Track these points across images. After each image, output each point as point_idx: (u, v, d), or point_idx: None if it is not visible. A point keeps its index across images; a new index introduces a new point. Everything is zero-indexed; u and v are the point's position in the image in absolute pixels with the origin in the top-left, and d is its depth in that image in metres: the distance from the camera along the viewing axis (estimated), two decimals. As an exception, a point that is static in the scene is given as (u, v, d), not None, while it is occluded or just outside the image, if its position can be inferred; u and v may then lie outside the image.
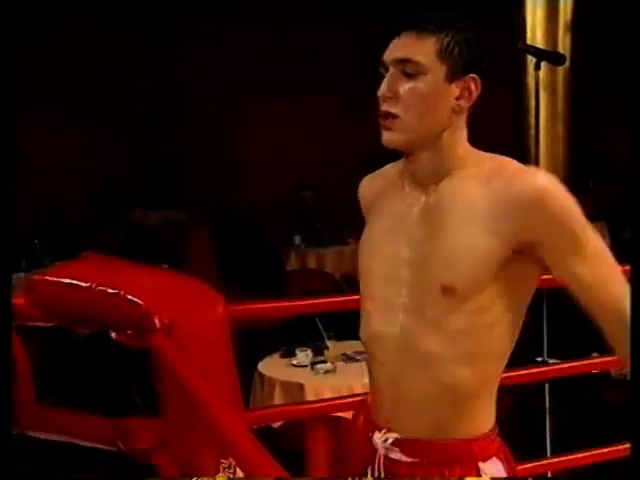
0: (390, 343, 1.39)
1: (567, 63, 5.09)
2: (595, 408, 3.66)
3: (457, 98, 1.38)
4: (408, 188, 1.42)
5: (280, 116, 7.66)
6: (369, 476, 1.43)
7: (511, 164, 1.37)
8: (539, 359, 3.17)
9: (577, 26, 5.36)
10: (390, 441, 1.39)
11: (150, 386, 1.65)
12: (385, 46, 1.39)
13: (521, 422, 3.69)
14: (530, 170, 1.36)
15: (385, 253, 1.41)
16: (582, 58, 5.44)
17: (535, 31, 5.35)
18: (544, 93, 5.18)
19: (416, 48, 1.34)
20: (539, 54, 3.35)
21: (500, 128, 7.41)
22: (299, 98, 7.55)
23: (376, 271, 1.42)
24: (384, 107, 1.36)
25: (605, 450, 2.56)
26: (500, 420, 3.95)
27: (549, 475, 2.89)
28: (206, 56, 7.60)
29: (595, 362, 2.74)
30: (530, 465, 2.53)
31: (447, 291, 1.31)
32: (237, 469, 1.57)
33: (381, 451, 1.40)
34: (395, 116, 1.36)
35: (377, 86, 1.39)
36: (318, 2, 7.27)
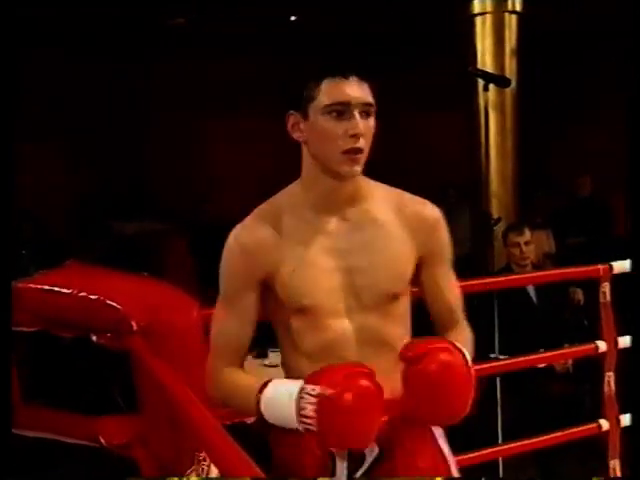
0: (351, 340, 1.51)
1: (514, 85, 5.18)
2: (541, 400, 3.70)
3: None
4: (318, 214, 1.52)
5: (250, 130, 7.67)
6: None
7: (405, 193, 1.62)
8: (492, 355, 3.20)
9: (522, 51, 5.45)
10: None
11: (131, 386, 1.64)
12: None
13: (477, 414, 3.72)
14: (425, 200, 1.63)
15: (322, 270, 1.51)
16: (527, 80, 5.52)
17: (485, 56, 5.43)
18: (494, 113, 5.26)
19: (368, 92, 1.49)
20: (486, 77, 3.40)
21: (454, 145, 7.50)
22: (269, 113, 7.57)
23: (317, 287, 1.51)
24: (358, 144, 1.47)
25: (550, 436, 2.61)
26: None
27: (500, 460, 2.93)
28: (172, 72, 7.62)
29: (541, 357, 2.78)
30: (483, 452, 2.56)
31: (394, 294, 1.54)
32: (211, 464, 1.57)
33: None
34: (362, 151, 1.49)
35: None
36: (284, 19, 7.32)
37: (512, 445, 2.63)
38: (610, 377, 2.62)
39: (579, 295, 4.35)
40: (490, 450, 2.62)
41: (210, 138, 7.92)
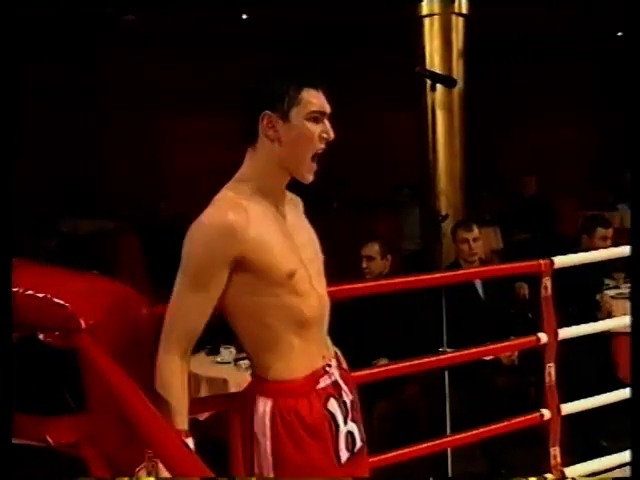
0: (323, 303, 1.79)
1: (461, 85, 5.23)
2: (488, 391, 3.75)
3: None
4: (270, 204, 1.71)
5: (204, 130, 7.62)
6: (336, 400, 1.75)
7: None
8: (440, 349, 3.23)
9: (469, 53, 5.50)
10: (335, 363, 1.81)
11: (82, 386, 1.62)
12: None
13: (427, 406, 3.76)
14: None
15: (287, 245, 1.71)
16: (474, 81, 5.58)
17: (433, 57, 5.47)
18: (442, 112, 5.30)
19: None
20: (433, 77, 3.44)
21: (403, 145, 7.56)
22: (223, 113, 7.52)
23: (294, 256, 1.71)
24: (324, 146, 1.70)
25: (496, 426, 2.65)
26: (410, 406, 3.99)
27: (449, 451, 2.96)
28: (127, 72, 7.52)
29: (484, 350, 2.82)
30: (431, 443, 2.59)
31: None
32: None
33: (336, 374, 1.78)
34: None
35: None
36: (235, 18, 7.28)
37: (459, 436, 2.66)
38: (551, 367, 2.67)
39: (525, 290, 4.44)
40: (438, 441, 2.65)
41: (164, 137, 7.84)
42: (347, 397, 1.79)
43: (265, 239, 1.65)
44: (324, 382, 1.75)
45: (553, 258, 2.71)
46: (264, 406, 1.69)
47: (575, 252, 2.92)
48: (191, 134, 7.74)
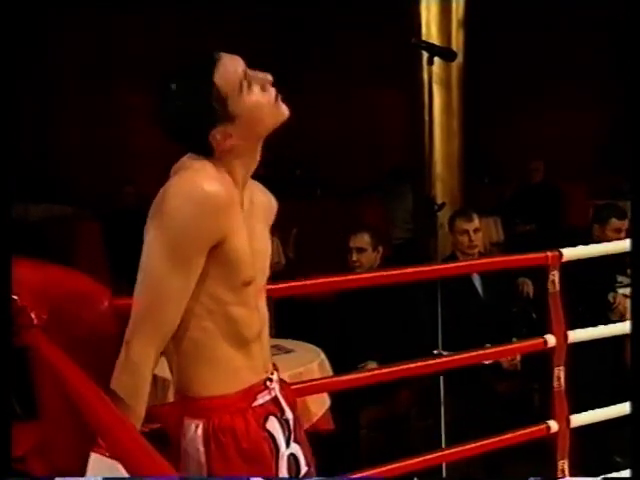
0: (265, 316, 1.74)
1: (460, 59, 5.21)
2: (488, 399, 3.75)
3: None
4: (234, 189, 1.63)
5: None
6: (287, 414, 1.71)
7: (256, 183, 1.77)
8: (435, 352, 3.22)
9: (470, 23, 5.49)
10: (275, 377, 1.74)
11: (30, 393, 1.59)
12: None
13: (419, 414, 3.75)
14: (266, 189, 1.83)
15: (252, 258, 1.66)
16: (475, 54, 5.57)
17: (430, 28, 5.45)
18: (439, 88, 5.28)
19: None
20: (431, 49, 3.41)
21: (395, 124, 7.55)
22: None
23: (253, 261, 1.66)
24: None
25: (496, 440, 2.63)
26: (402, 413, 3.97)
27: (444, 466, 2.95)
28: (86, 45, 7.43)
29: (487, 353, 2.81)
30: (425, 457, 2.57)
31: None
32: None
33: (276, 388, 1.72)
34: None
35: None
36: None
37: (456, 449, 2.65)
38: (560, 371, 2.63)
39: (528, 286, 4.43)
40: (432, 455, 2.63)
41: (126, 114, 7.76)
42: (289, 414, 1.72)
43: (240, 231, 1.61)
44: (262, 398, 1.67)
45: (562, 250, 2.68)
46: (195, 429, 1.59)
47: (586, 244, 2.90)
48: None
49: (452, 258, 4.09)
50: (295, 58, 8.06)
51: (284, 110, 1.65)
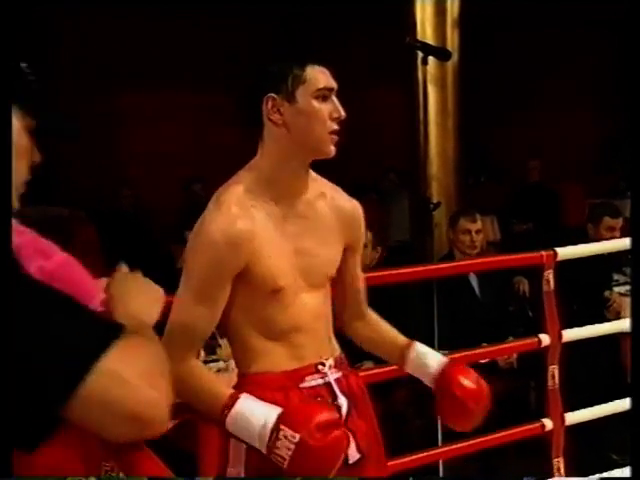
0: (309, 315, 1.79)
1: (455, 58, 5.22)
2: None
3: None
4: (276, 203, 1.74)
5: (166, 109, 7.55)
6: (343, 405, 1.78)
7: (336, 188, 1.88)
8: (431, 351, 3.23)
9: (464, 22, 5.50)
10: (332, 363, 1.81)
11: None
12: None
13: (416, 413, 3.77)
14: (350, 197, 1.91)
15: (285, 252, 1.75)
16: (470, 54, 5.58)
17: (425, 27, 5.46)
18: (434, 88, 5.29)
19: None
20: (425, 49, 3.42)
21: (390, 124, 7.54)
22: (186, 91, 7.47)
23: (285, 268, 1.75)
24: (337, 126, 1.74)
25: (492, 437, 2.65)
26: (398, 412, 3.98)
27: (440, 463, 2.97)
28: (86, 45, 7.42)
29: (481, 352, 2.83)
30: (422, 455, 2.59)
31: (330, 276, 1.86)
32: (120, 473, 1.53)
33: (333, 376, 1.79)
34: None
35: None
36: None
37: (452, 447, 2.67)
38: (554, 370, 2.66)
39: (524, 285, 4.45)
40: (429, 453, 2.65)
41: (126, 117, 7.76)
42: (342, 401, 1.78)
43: (264, 249, 1.71)
44: (313, 381, 1.76)
45: (556, 249, 2.71)
46: None
47: (582, 244, 2.92)
48: (155, 113, 7.68)
49: (449, 257, 4.11)
50: (294, 58, 8.04)
51: (331, 149, 1.73)
